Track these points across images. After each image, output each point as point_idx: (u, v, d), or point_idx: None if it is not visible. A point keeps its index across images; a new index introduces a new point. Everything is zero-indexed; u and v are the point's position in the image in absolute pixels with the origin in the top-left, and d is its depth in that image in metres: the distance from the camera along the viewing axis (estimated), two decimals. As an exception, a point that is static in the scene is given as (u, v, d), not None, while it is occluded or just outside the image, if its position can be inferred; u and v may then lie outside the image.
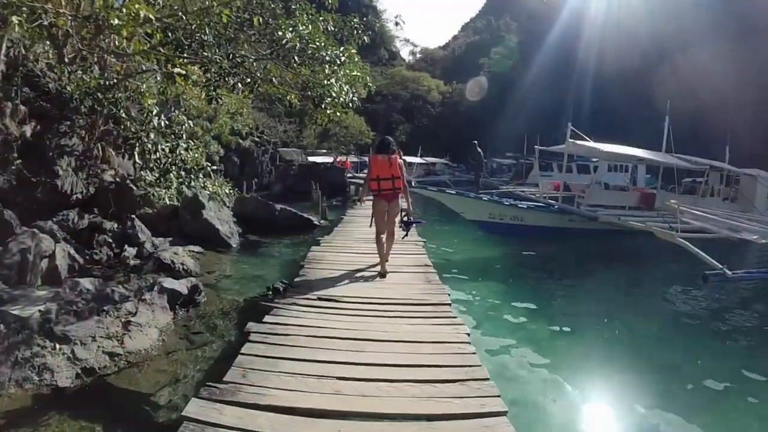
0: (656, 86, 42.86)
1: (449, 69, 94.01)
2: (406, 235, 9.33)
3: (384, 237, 8.18)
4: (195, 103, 16.39)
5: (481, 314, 8.76)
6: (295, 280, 7.61)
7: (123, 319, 6.02)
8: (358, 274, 8.14)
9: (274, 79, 12.12)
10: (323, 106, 11.35)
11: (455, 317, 6.09)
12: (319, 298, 6.57)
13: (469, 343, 5.24)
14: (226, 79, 10.48)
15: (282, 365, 4.47)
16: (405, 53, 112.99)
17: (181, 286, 7.32)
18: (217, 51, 10.17)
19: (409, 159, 39.03)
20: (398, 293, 6.96)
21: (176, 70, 9.47)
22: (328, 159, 37.43)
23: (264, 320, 5.62)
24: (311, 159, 36.40)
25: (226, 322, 7.06)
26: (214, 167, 16.34)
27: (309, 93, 11.65)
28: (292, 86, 12.51)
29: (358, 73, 12.18)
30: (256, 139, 34.16)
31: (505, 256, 14.46)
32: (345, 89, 11.36)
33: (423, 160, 43.08)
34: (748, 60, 46.45)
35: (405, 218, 8.86)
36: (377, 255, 8.26)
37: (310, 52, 10.68)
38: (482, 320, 8.41)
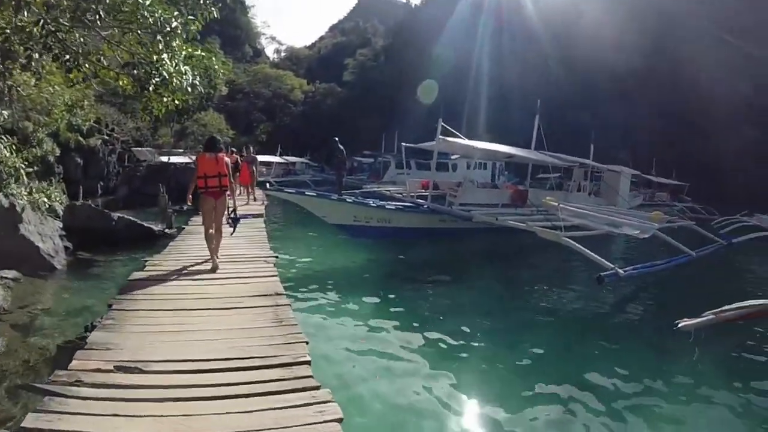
0: (527, 87, 45.10)
1: (314, 69, 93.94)
2: (233, 232, 9.30)
3: (212, 232, 8.12)
4: (23, 92, 13.29)
5: (347, 343, 7.23)
6: (92, 334, 5.04)
7: None
8: (186, 317, 5.65)
9: (102, 58, 9.62)
10: (150, 88, 9.03)
11: (317, 387, 3.97)
12: (119, 368, 4.14)
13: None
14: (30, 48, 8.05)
15: None
16: (270, 51, 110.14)
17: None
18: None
19: (268, 158, 37.49)
20: (236, 347, 4.70)
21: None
22: (186, 159, 34.29)
23: (23, 425, 3.26)
24: (164, 159, 33.06)
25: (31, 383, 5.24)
26: (29, 170, 13.48)
27: (135, 72, 9.29)
28: (122, 66, 10.07)
29: (203, 53, 9.97)
30: (106, 137, 30.51)
31: (374, 264, 13.15)
32: (184, 70, 9.09)
33: (282, 159, 41.26)
34: (621, 55, 50.00)
35: (232, 215, 8.87)
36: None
37: (127, 10, 8.23)
38: (348, 353, 6.90)
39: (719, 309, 7.63)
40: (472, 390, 6.07)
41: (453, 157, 27.86)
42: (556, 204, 13.60)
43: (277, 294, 6.42)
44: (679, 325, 7.25)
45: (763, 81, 48.14)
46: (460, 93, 55.73)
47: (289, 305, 5.98)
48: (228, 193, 8.44)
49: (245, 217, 10.16)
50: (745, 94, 48.59)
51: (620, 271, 9.97)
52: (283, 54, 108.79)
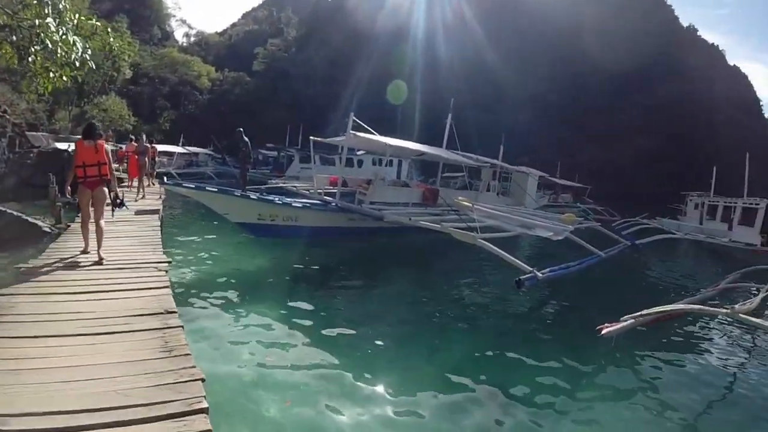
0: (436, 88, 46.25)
1: (223, 56, 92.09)
2: (113, 214, 9.10)
3: (90, 224, 7.97)
4: None
5: (251, 363, 6.38)
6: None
7: None
8: (58, 347, 4.49)
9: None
10: (30, 58, 7.98)
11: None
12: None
13: None
14: None
15: None
16: (179, 35, 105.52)
17: None
18: None
19: (169, 148, 36.11)
20: (117, 390, 3.69)
21: None
22: None
23: None
24: (62, 146, 30.65)
25: None
26: None
27: (14, 37, 8.21)
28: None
29: (98, 23, 8.90)
30: (-4, 120, 28.00)
31: (279, 267, 12.21)
32: (72, 41, 8.02)
33: (185, 149, 39.32)
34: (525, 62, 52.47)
35: (115, 201, 8.62)
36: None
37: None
38: (253, 374, 6.07)
39: (638, 313, 7.89)
40: (391, 402, 5.74)
41: (359, 152, 27.50)
42: (470, 205, 13.44)
43: (168, 312, 5.43)
44: (602, 332, 7.31)
45: (659, 93, 51.97)
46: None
47: (182, 327, 5.05)
48: (108, 184, 8.15)
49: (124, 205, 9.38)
50: (642, 106, 52.32)
51: (539, 274, 9.85)
52: (192, 39, 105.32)
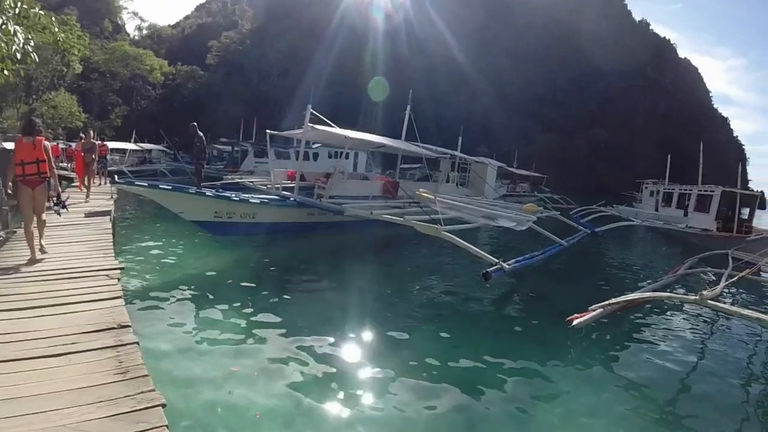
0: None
1: (176, 49, 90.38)
2: (60, 214, 9.43)
3: (33, 226, 7.74)
4: None
5: (214, 374, 5.95)
6: None
7: None
8: None
9: None
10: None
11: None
12: None
13: None
14: None
15: None
16: (131, 27, 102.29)
17: None
18: None
19: (121, 145, 35.59)
20: (68, 424, 3.26)
21: None
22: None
23: None
24: (10, 146, 29.27)
25: None
26: None
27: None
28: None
29: (41, 12, 8.46)
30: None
31: (239, 267, 11.51)
32: (13, 30, 7.52)
33: (137, 146, 38.19)
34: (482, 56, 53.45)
35: (56, 200, 8.71)
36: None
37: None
38: (218, 386, 5.68)
39: (606, 302, 8.10)
40: (361, 404, 5.58)
41: (314, 145, 27.16)
42: (433, 197, 13.37)
43: (121, 326, 4.89)
44: (573, 323, 7.48)
45: (612, 84, 53.51)
46: (353, 84, 56.69)
47: (137, 343, 4.56)
48: (49, 180, 7.92)
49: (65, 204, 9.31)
50: (597, 97, 53.72)
51: (505, 265, 9.92)
52: (144, 32, 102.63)
